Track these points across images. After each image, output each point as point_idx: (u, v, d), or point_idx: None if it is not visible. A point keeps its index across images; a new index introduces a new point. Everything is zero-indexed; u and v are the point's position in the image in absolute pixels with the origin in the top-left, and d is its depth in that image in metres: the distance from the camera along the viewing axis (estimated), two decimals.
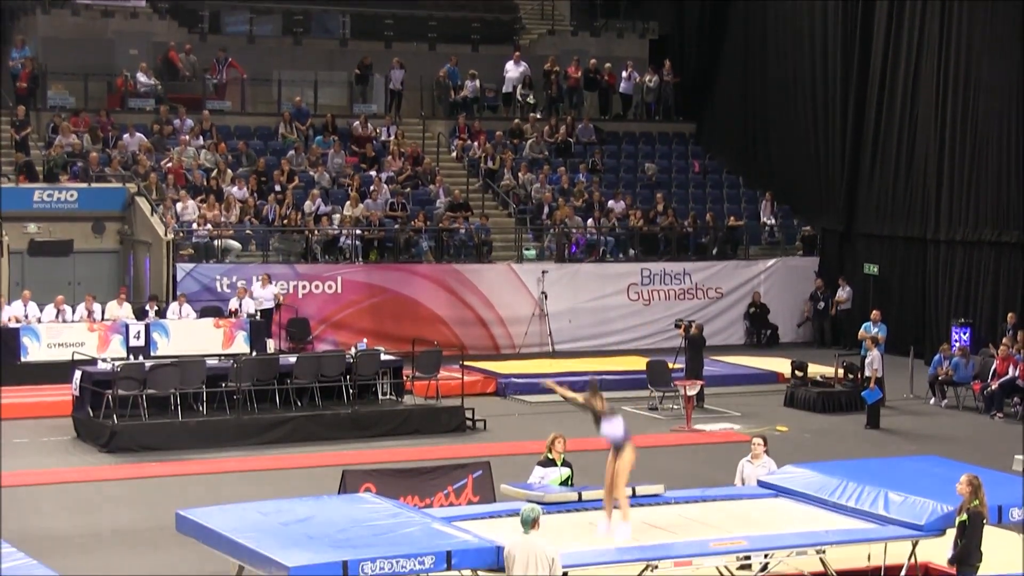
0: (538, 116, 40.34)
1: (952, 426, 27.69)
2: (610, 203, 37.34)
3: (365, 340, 29.05)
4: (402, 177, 36.84)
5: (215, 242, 32.95)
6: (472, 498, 18.66)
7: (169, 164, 34.59)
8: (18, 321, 29.25)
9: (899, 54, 36.06)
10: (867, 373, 27.82)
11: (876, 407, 27.42)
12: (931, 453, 21.40)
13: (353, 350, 27.22)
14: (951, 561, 14.77)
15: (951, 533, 14.80)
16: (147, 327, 29.56)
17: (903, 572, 15.34)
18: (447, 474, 18.98)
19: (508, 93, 40.91)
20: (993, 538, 15.45)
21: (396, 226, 34.93)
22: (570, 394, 15.84)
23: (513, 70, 40.58)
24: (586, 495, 16.01)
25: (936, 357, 30.08)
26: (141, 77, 37.07)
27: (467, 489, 18.82)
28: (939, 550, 15.40)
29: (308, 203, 34.41)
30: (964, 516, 14.51)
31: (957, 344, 30.63)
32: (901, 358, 30.93)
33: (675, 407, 28.21)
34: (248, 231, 33.73)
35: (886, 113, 36.46)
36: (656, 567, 13.94)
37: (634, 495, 16.14)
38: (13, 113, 34.67)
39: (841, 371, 29.71)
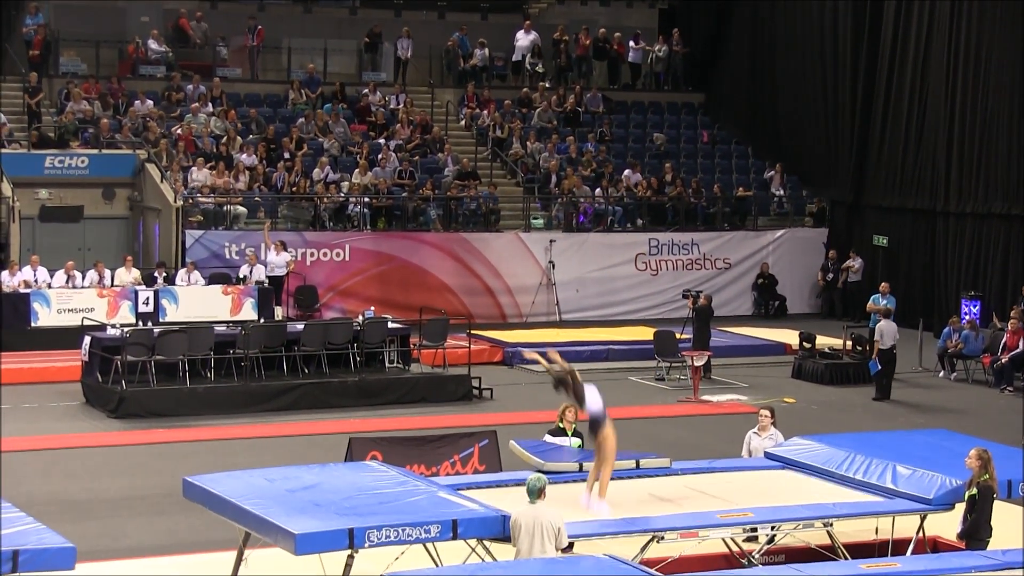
0: (547, 85, 40.27)
1: (961, 399, 27.63)
2: (626, 172, 37.29)
3: (372, 308, 29.07)
4: (411, 145, 36.79)
5: (224, 209, 32.95)
6: (478, 467, 18.67)
7: (179, 131, 34.59)
8: (28, 286, 29.28)
9: (910, 25, 35.92)
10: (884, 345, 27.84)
11: (879, 378, 27.39)
12: (940, 426, 21.32)
13: (360, 318, 27.25)
14: (960, 536, 14.68)
15: (960, 507, 14.74)
16: (156, 293, 29.64)
17: (911, 546, 15.26)
18: (453, 443, 18.98)
19: (517, 62, 40.83)
20: (1003, 513, 15.35)
21: (404, 194, 34.91)
22: (547, 365, 15.42)
23: (523, 39, 40.50)
24: (587, 465, 15.86)
25: (946, 330, 30.02)
26: (152, 44, 37.07)
27: (473, 458, 18.83)
28: (948, 524, 15.32)
29: (317, 171, 34.39)
30: (974, 490, 14.44)
31: (967, 317, 30.58)
32: (910, 330, 30.82)
33: (682, 378, 28.19)
34: (257, 198, 33.71)
35: (896, 84, 36.35)
36: (662, 538, 13.91)
37: (638, 467, 16.13)
38: (26, 79, 34.67)
39: (849, 343, 29.67)
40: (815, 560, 14.75)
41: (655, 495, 15.29)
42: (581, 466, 15.92)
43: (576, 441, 17.01)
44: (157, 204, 32.59)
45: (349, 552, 12.86)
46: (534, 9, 43.17)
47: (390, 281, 33.43)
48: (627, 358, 30.14)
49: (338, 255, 33.25)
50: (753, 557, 15.39)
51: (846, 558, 14.67)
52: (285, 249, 31.80)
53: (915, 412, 26.20)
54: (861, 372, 28.52)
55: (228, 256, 32.17)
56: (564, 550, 13.16)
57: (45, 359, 27.37)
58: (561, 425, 17.15)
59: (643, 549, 13.93)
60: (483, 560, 13.76)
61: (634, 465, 16.16)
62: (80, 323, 26.82)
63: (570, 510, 14.12)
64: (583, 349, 30.59)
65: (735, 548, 15.45)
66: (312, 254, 33.01)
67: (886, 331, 27.40)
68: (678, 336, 29.12)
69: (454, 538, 13.28)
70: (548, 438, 17.05)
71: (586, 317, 34.97)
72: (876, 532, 15.82)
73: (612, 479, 15.00)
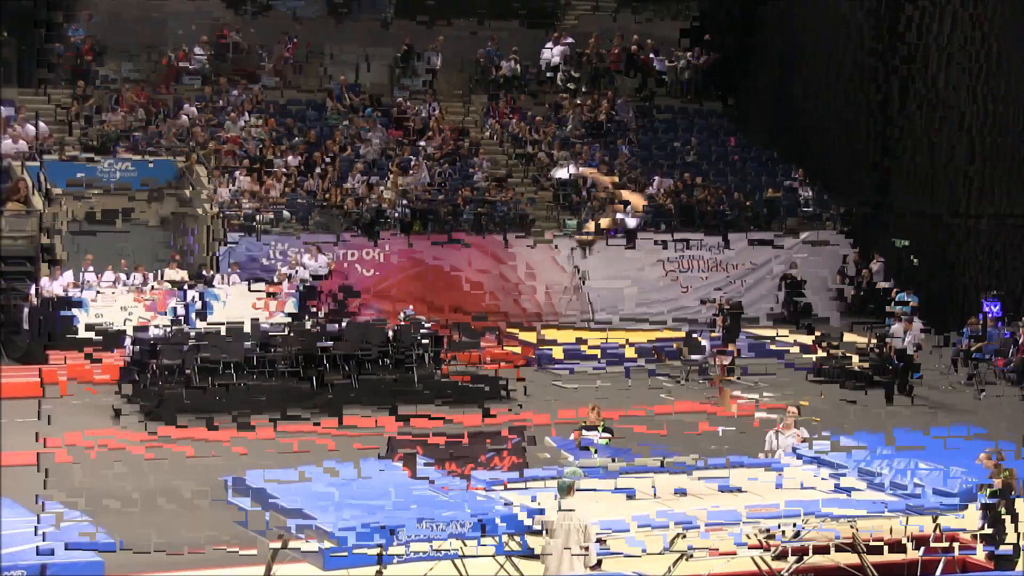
0: (577, 95, 40.50)
1: (980, 400, 27.88)
2: (656, 179, 37.62)
3: (412, 307, 29.47)
4: (444, 152, 37.17)
5: (263, 214, 33.41)
6: (510, 464, 19.03)
7: (220, 138, 35.08)
8: (75, 286, 29.74)
9: (931, 29, 36.11)
10: (911, 351, 28.36)
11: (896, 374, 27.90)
12: (959, 426, 21.58)
13: (401, 315, 27.62)
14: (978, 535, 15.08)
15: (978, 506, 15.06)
16: (197, 295, 30.06)
17: (930, 543, 15.47)
18: (485, 441, 19.24)
19: (548, 72, 41.10)
20: (1021, 511, 15.63)
21: (439, 198, 35.28)
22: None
23: (554, 49, 40.79)
24: (614, 463, 16.22)
25: (965, 331, 30.26)
26: (195, 53, 37.58)
27: (505, 456, 19.18)
28: (967, 522, 15.57)
29: (352, 177, 34.83)
30: (991, 489, 14.82)
31: (987, 317, 30.75)
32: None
33: (707, 378, 28.49)
34: (299, 201, 34.12)
35: (918, 89, 36.53)
36: (687, 534, 14.21)
37: (663, 465, 16.36)
38: (72, 88, 35.20)
39: (873, 341, 29.88)
40: None
41: (680, 492, 15.54)
42: (609, 464, 16.26)
43: (606, 436, 17.38)
44: (198, 209, 33.11)
45: (377, 569, 13.10)
46: (566, 20, 43.42)
47: (424, 283, 33.81)
48: (655, 358, 30.46)
49: (375, 258, 33.66)
50: None
51: (873, 574, 14.90)
52: (321, 252, 32.25)
53: (934, 412, 26.41)
54: (882, 372, 28.76)
55: (268, 259, 32.62)
56: (593, 567, 13.41)
57: (87, 360, 27.68)
58: (591, 422, 17.53)
59: (671, 568, 14.18)
60: None
61: (659, 463, 16.44)
62: (122, 325, 27.24)
63: (600, 507, 14.42)
64: (614, 350, 30.96)
65: (764, 567, 15.51)
66: (352, 255, 33.44)
67: (902, 331, 27.77)
68: (710, 335, 29.41)
69: (485, 535, 13.50)
70: (583, 432, 17.36)
71: (616, 319, 35.27)
72: (893, 531, 15.87)
73: (638, 475, 15.40)
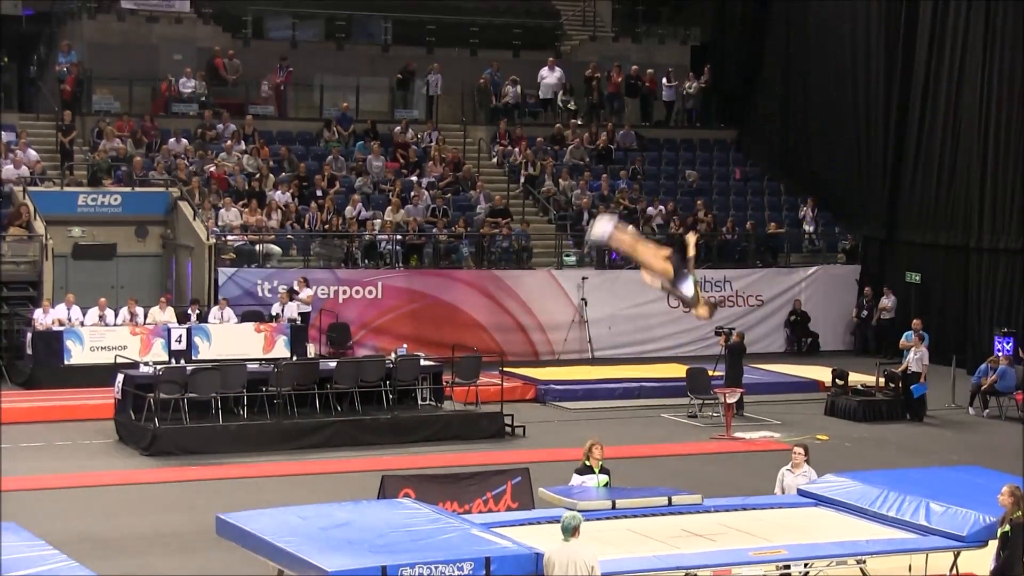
0: (579, 122, 40.36)
1: (995, 436, 27.50)
2: (648, 210, 37.33)
3: (405, 346, 29.12)
4: (443, 183, 36.89)
5: (256, 247, 33.08)
6: (511, 504, 18.63)
7: (212, 168, 34.75)
8: (61, 324, 29.43)
9: (943, 58, 35.89)
10: (915, 369, 28.24)
11: (924, 399, 28.04)
12: (973, 463, 21.25)
13: (393, 355, 27.29)
14: (993, 573, 14.66)
15: (993, 544, 14.69)
16: (189, 331, 29.73)
17: None
18: (486, 480, 18.93)
19: (549, 99, 40.93)
20: None
21: (436, 231, 34.97)
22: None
23: (549, 76, 40.64)
24: (620, 503, 15.93)
25: (982, 367, 29.89)
26: (185, 82, 37.28)
27: (506, 495, 18.79)
28: (981, 561, 15.25)
29: (349, 208, 34.50)
30: (1007, 527, 14.42)
31: (1001, 354, 30.45)
32: (943, 367, 30.76)
33: (715, 415, 28.15)
34: (289, 236, 33.82)
35: (929, 118, 36.29)
36: (695, 575, 13.86)
37: (670, 504, 16.06)
38: (59, 118, 34.89)
39: (882, 380, 29.61)
40: None
41: (688, 531, 15.23)
42: (614, 504, 15.90)
43: (603, 478, 16.95)
44: (190, 242, 32.73)
45: None
46: (566, 46, 43.31)
47: (422, 318, 33.46)
48: (660, 395, 30.14)
49: (370, 292, 33.32)
50: None
51: None
52: (308, 285, 31.82)
53: (948, 449, 26.08)
54: (894, 409, 28.54)
55: (261, 294, 32.28)
56: None
57: (78, 396, 27.46)
58: (588, 463, 17.08)
59: None
60: None
61: (666, 502, 16.11)
62: (113, 361, 26.93)
63: (604, 548, 14.07)
64: (616, 386, 30.58)
65: None
66: (344, 291, 33.08)
67: (926, 356, 28.29)
68: (710, 373, 29.11)
69: None
70: (576, 477, 16.99)
71: (619, 354, 34.94)
72: (909, 569, 15.78)
73: (645, 516, 15.01)
